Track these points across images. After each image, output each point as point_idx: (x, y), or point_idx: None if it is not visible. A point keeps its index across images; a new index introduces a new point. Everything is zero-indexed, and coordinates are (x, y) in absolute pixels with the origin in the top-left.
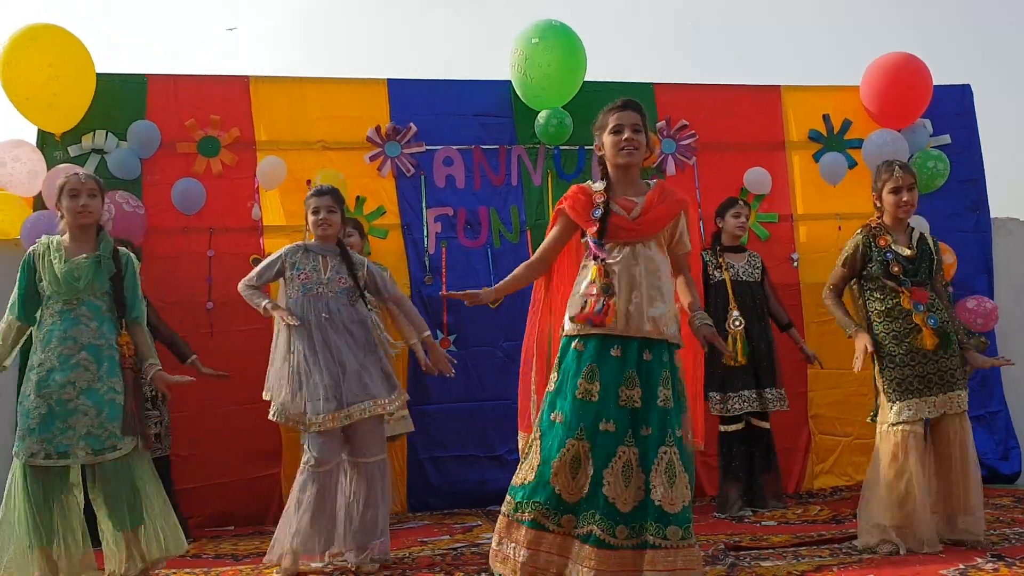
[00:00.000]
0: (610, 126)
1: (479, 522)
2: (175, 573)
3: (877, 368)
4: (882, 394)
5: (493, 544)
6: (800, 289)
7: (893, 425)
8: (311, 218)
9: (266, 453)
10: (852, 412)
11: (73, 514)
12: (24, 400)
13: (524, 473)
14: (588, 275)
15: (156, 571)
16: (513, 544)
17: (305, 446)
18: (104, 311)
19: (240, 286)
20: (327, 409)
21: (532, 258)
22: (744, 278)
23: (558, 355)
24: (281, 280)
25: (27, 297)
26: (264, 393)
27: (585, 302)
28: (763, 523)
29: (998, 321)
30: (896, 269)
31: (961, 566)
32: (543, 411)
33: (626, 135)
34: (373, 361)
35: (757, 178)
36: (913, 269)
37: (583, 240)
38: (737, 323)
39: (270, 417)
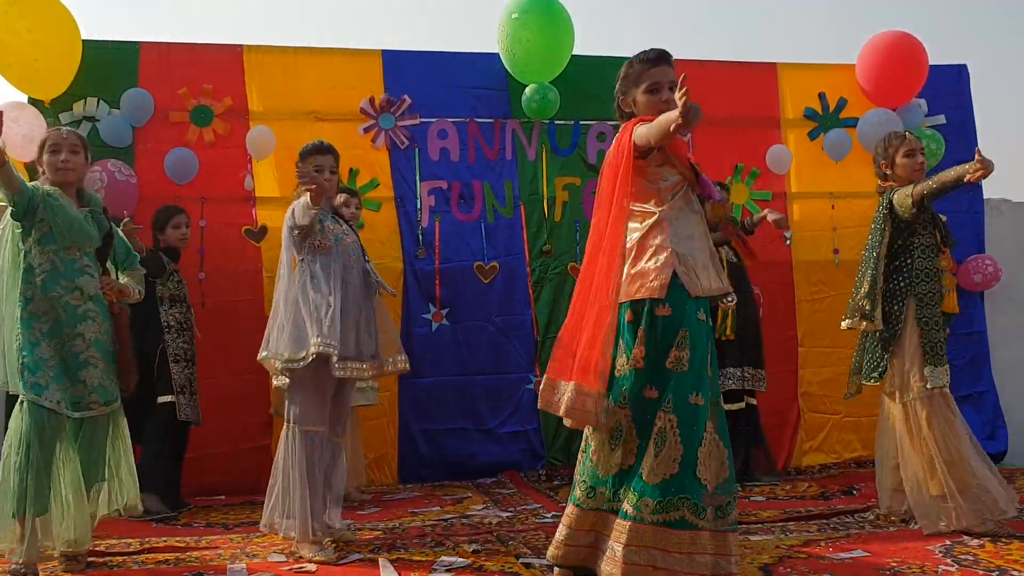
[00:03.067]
0: (645, 84)
1: (469, 494)
2: (166, 541)
3: (914, 330)
4: (911, 360)
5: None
6: (793, 267)
7: (934, 390)
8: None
9: (257, 424)
10: (842, 390)
11: (70, 468)
12: (32, 348)
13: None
14: (686, 226)
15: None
16: (563, 527)
17: (292, 413)
18: (97, 263)
19: (295, 218)
20: (362, 356)
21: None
22: (732, 259)
23: (639, 325)
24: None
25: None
26: (260, 352)
27: (710, 256)
28: (752, 498)
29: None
30: (938, 231)
31: (948, 542)
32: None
33: (665, 96)
34: (385, 319)
35: (778, 155)
36: (946, 232)
37: (652, 179)
38: (729, 299)
39: (313, 351)
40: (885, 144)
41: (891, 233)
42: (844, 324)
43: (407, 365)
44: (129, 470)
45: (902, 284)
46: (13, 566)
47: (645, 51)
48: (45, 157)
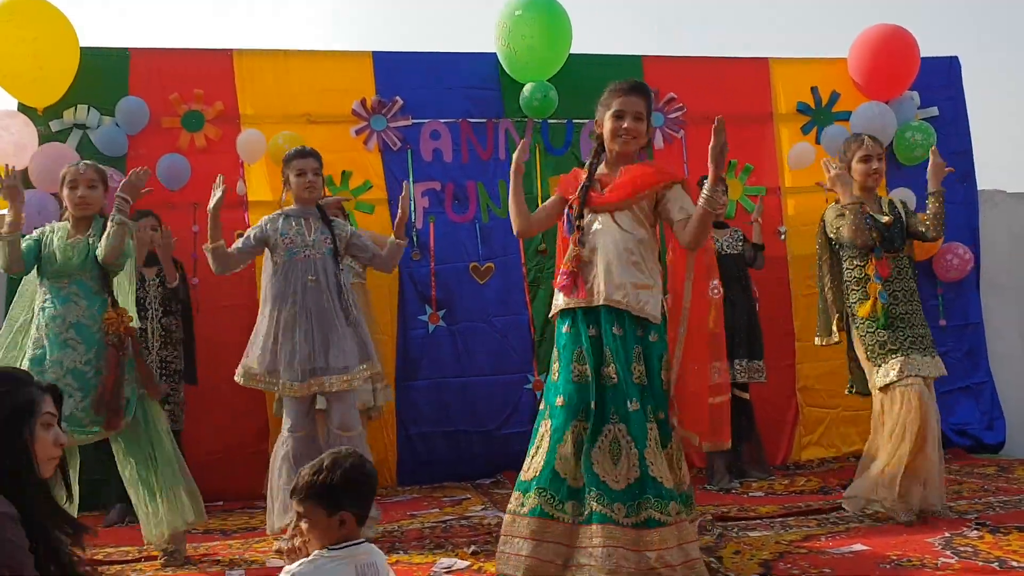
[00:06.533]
0: (613, 109)
1: (468, 495)
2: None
3: (855, 337)
4: (867, 361)
5: (499, 548)
6: (787, 261)
7: (896, 384)
8: (295, 180)
9: (254, 429)
10: (840, 384)
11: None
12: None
13: (533, 464)
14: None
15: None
16: (517, 539)
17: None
18: (95, 291)
19: (214, 268)
20: (302, 377)
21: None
22: (728, 251)
23: (556, 341)
24: (265, 250)
25: (28, 251)
26: (237, 371)
27: (562, 273)
28: (750, 494)
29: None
30: (875, 235)
31: (947, 534)
32: (549, 399)
33: (626, 124)
34: (352, 328)
35: (802, 151)
36: (889, 236)
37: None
38: (715, 292)
39: (236, 378)
40: (844, 147)
41: (829, 249)
42: (816, 342)
43: (364, 375)
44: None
45: (838, 293)
46: None
47: (624, 80)
48: (65, 192)
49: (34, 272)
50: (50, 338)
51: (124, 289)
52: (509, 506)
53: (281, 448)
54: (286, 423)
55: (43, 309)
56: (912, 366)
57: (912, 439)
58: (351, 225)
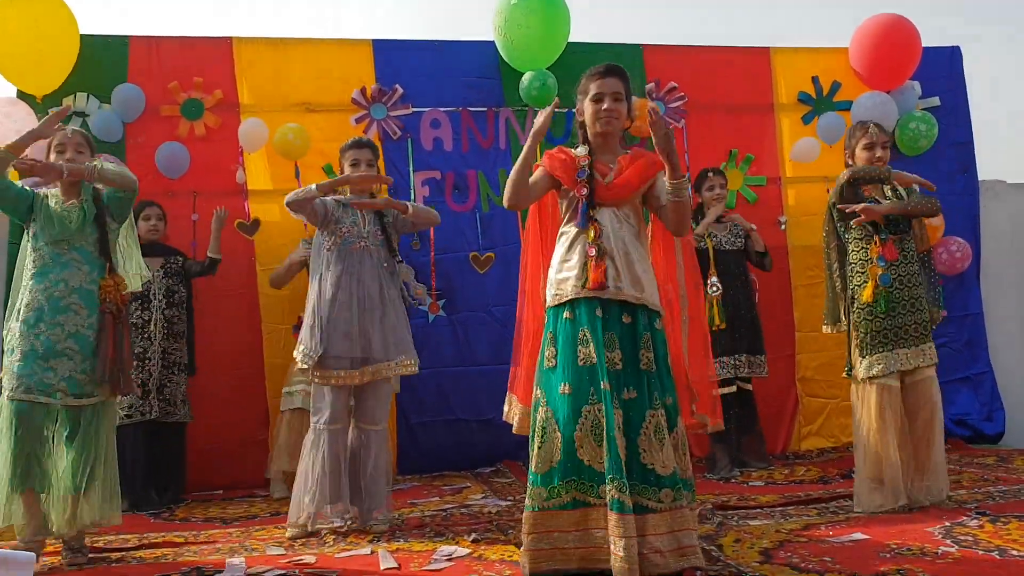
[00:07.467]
0: (591, 93)
1: (468, 484)
2: (164, 536)
3: (853, 320)
4: (856, 347)
5: (529, 545)
6: (788, 252)
7: (868, 380)
8: (349, 171)
9: (253, 418)
10: (839, 375)
11: (62, 461)
12: (10, 337)
13: (547, 456)
14: (579, 239)
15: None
16: (558, 534)
17: (312, 405)
18: (94, 256)
19: (289, 197)
20: (354, 365)
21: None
22: (727, 247)
23: (548, 329)
24: (317, 234)
25: (18, 194)
26: (295, 353)
27: (584, 264)
28: (750, 483)
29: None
30: (879, 217)
31: (947, 523)
32: (548, 387)
33: (606, 105)
34: (403, 318)
35: (805, 146)
36: (894, 218)
37: (562, 201)
38: (715, 289)
39: (295, 356)
40: (849, 134)
41: (836, 233)
42: (824, 329)
43: (411, 368)
44: (109, 478)
45: (845, 279)
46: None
47: (598, 65)
48: (52, 157)
49: (29, 246)
50: (51, 302)
51: (129, 252)
52: (530, 502)
53: (318, 441)
54: (323, 415)
55: (40, 273)
56: (893, 361)
57: (875, 442)
58: None
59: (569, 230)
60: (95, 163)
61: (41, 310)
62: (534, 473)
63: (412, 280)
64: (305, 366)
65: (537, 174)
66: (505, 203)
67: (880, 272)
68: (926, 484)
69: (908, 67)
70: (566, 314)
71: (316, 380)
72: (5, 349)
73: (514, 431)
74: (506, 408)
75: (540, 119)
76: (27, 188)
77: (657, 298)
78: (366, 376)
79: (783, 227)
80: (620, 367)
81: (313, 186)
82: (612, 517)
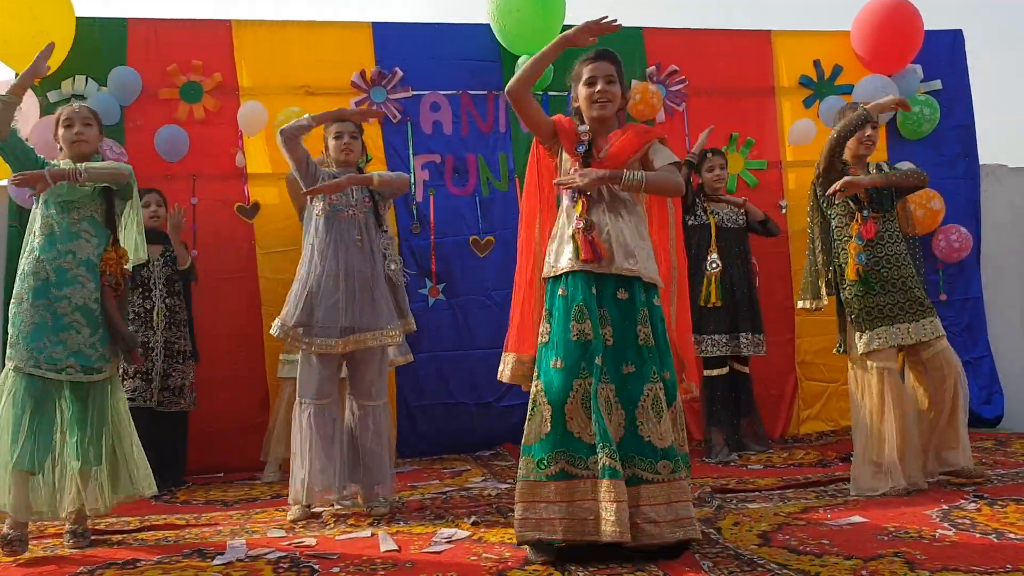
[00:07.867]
0: (584, 77)
1: (468, 467)
2: (165, 518)
3: (844, 298)
4: (851, 324)
5: (518, 515)
6: (788, 236)
7: (869, 364)
8: (333, 143)
9: (253, 401)
10: (838, 358)
11: (73, 438)
12: (18, 307)
13: (537, 428)
14: (573, 213)
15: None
16: (544, 504)
17: (299, 380)
18: (102, 228)
19: (282, 129)
20: (340, 333)
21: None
22: (728, 224)
23: (545, 306)
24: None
25: (26, 152)
26: (273, 324)
27: (572, 237)
28: (749, 467)
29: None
30: (862, 194)
31: (945, 506)
32: (541, 362)
33: (599, 87)
34: (392, 288)
35: (802, 128)
36: (878, 197)
37: (559, 170)
38: (714, 266)
39: (271, 331)
40: (839, 115)
41: (819, 208)
42: (800, 305)
43: (395, 338)
44: (134, 453)
45: (829, 255)
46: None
47: (589, 50)
48: (60, 132)
49: (38, 213)
50: (58, 273)
51: (131, 227)
52: (521, 472)
53: (302, 415)
54: (307, 389)
55: (48, 240)
56: (894, 335)
57: (878, 426)
58: None
59: (566, 204)
60: (79, 166)
61: (47, 280)
62: (524, 444)
63: (392, 252)
64: (274, 332)
65: (546, 116)
66: (507, 86)
67: (857, 250)
68: (952, 459)
69: (910, 51)
70: (560, 291)
71: (302, 348)
72: (11, 318)
73: (507, 380)
74: (500, 368)
75: (578, 29)
76: (40, 156)
77: (654, 271)
78: (349, 345)
79: (783, 211)
80: (611, 343)
81: (307, 115)
82: (603, 484)
